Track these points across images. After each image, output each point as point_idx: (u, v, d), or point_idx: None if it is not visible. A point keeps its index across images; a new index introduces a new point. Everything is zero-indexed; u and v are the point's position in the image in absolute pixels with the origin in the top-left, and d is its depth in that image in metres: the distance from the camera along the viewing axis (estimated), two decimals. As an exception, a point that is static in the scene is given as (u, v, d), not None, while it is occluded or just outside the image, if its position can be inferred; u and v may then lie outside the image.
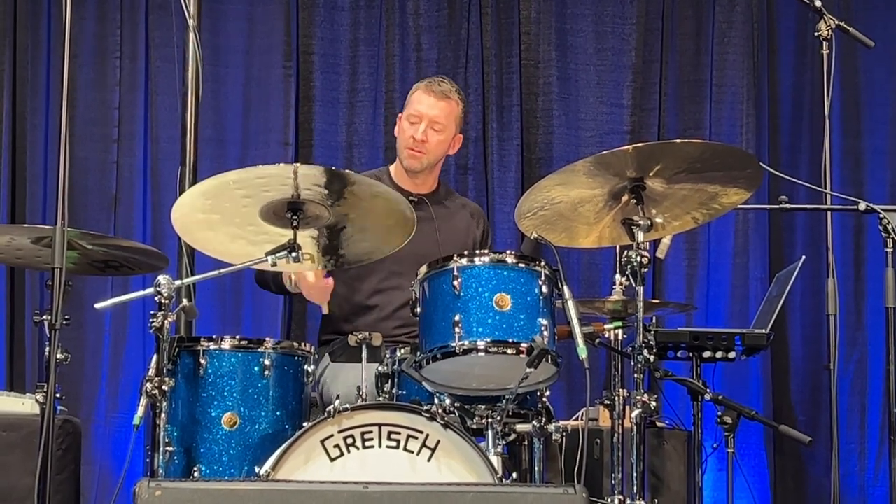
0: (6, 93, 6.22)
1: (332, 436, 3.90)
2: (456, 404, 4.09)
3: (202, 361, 4.05)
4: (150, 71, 6.36)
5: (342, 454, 3.90)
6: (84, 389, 6.14)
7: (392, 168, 5.07)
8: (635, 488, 4.02)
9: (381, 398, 4.19)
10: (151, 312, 3.87)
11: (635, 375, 4.05)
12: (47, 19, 6.31)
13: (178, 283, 3.95)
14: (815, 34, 4.85)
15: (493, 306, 3.95)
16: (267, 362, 4.07)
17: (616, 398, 4.34)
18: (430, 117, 4.91)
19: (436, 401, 4.05)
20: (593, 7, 6.63)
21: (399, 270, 4.76)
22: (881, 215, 4.55)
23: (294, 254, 3.99)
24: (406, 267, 4.61)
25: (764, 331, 5.01)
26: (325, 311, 4.71)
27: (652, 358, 4.07)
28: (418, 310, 4.08)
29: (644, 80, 6.62)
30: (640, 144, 4.09)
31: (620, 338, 4.77)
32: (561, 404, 5.84)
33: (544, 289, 4.00)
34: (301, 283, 4.60)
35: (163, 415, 3.86)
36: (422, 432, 3.92)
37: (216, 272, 4.15)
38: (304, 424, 3.97)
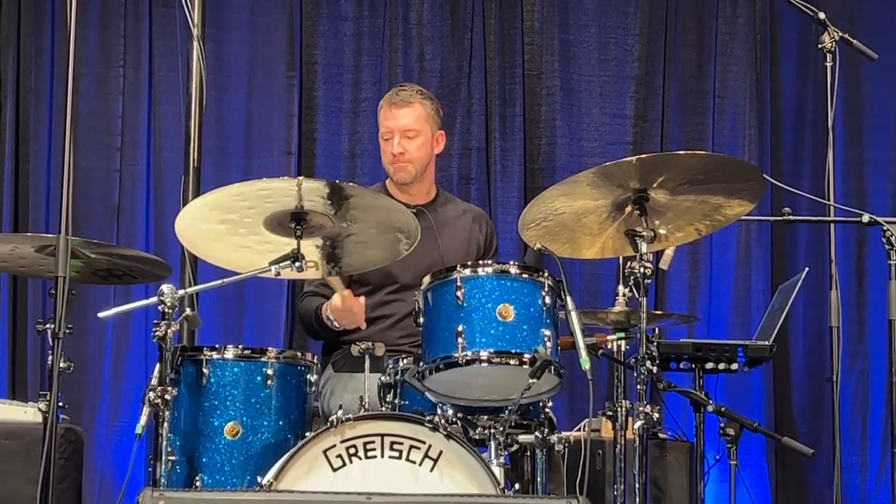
0: (10, 101, 6.22)
1: (334, 446, 3.89)
2: (459, 415, 4.09)
3: (205, 371, 4.05)
4: (153, 80, 6.36)
5: (344, 464, 3.89)
6: (86, 398, 6.14)
7: (388, 182, 5.07)
8: (637, 499, 4.02)
9: (383, 408, 4.19)
10: (155, 321, 3.87)
11: (638, 386, 4.05)
12: (51, 28, 6.32)
13: (181, 292, 3.95)
14: (819, 46, 4.86)
15: (496, 317, 3.94)
16: (270, 372, 4.07)
17: (618, 409, 4.33)
18: (399, 128, 4.91)
19: (438, 411, 4.05)
20: (596, 18, 6.64)
21: (402, 281, 4.77)
22: (884, 227, 4.55)
23: (297, 263, 3.99)
24: (409, 277, 4.63)
25: (766, 342, 5.00)
26: (364, 327, 4.69)
27: (654, 369, 4.07)
28: (421, 320, 4.08)
29: (647, 91, 6.63)
30: (643, 155, 4.09)
31: (623, 349, 4.76)
32: (563, 415, 5.83)
33: (547, 299, 3.99)
34: (333, 313, 4.60)
35: (165, 424, 3.86)
36: (424, 442, 3.92)
37: (219, 281, 4.15)
38: (307, 434, 3.96)
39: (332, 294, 4.66)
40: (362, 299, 4.60)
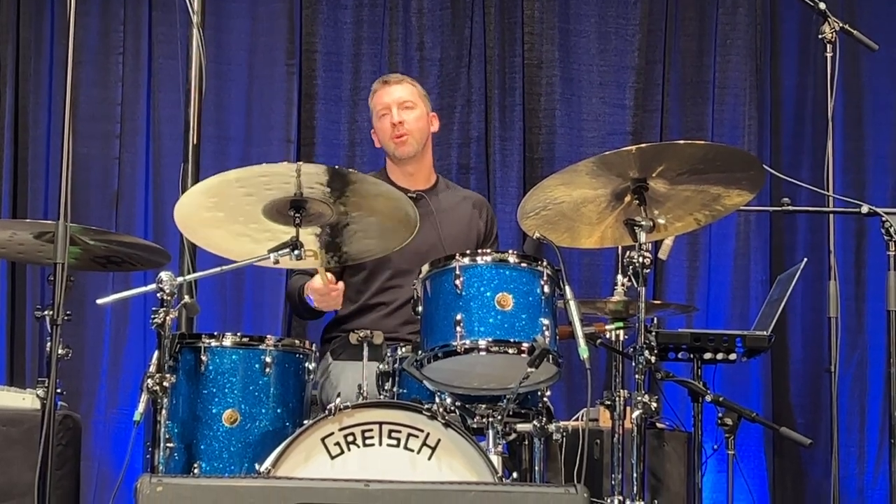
0: (9, 88, 6.22)
1: (332, 434, 3.90)
2: (457, 403, 4.09)
3: (203, 358, 4.05)
4: (152, 67, 6.35)
5: (342, 452, 3.90)
6: (84, 385, 6.14)
7: (388, 168, 5.09)
8: (635, 489, 4.03)
9: (381, 396, 4.19)
10: (153, 308, 3.87)
11: (636, 376, 4.05)
12: (50, 15, 6.31)
13: (179, 279, 3.95)
14: (819, 36, 4.86)
15: (494, 306, 3.94)
16: (268, 359, 4.07)
17: (617, 399, 4.34)
18: (395, 101, 4.99)
19: (437, 399, 4.05)
20: (596, 8, 6.63)
21: (403, 267, 4.77)
22: (883, 218, 4.55)
23: (296, 251, 3.99)
24: (410, 263, 4.63)
25: (765, 333, 5.01)
26: (339, 308, 4.72)
27: (653, 359, 4.07)
28: (420, 308, 4.08)
29: (647, 81, 6.62)
30: (643, 145, 4.09)
31: (621, 338, 4.76)
32: (561, 404, 5.84)
33: (546, 289, 4.00)
34: (312, 294, 4.60)
35: (164, 411, 3.86)
36: (422, 431, 3.92)
37: (218, 269, 4.15)
38: (305, 422, 3.96)
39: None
40: (341, 284, 4.59)
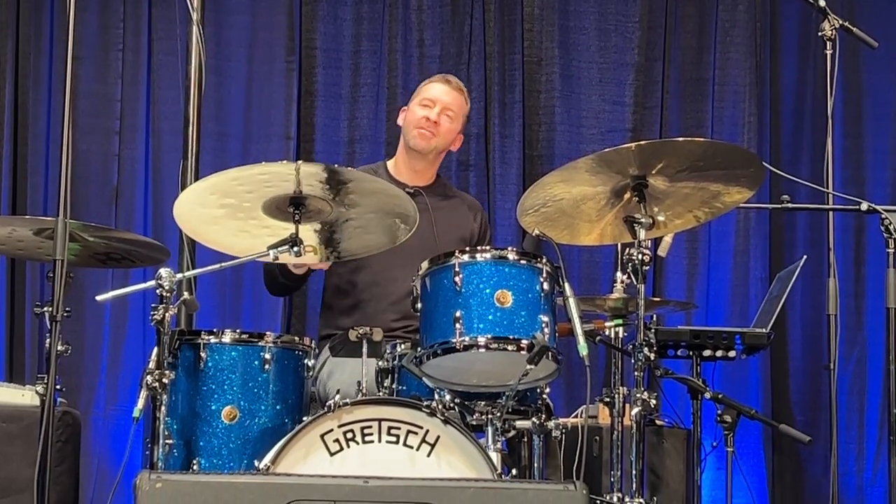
0: (8, 84, 6.21)
1: (331, 430, 3.90)
2: (456, 400, 4.09)
3: (203, 355, 4.05)
4: (152, 64, 6.35)
5: (342, 449, 3.90)
6: (84, 381, 6.14)
7: (389, 163, 5.11)
8: (634, 486, 4.03)
9: (381, 393, 4.19)
10: (153, 305, 3.88)
11: (635, 373, 4.05)
12: (50, 10, 6.31)
13: (179, 275, 3.95)
14: (819, 34, 4.86)
15: (494, 303, 3.95)
16: (267, 356, 4.08)
17: (616, 396, 4.34)
18: (444, 103, 5.02)
19: (436, 396, 4.06)
20: (596, 5, 6.63)
21: (396, 263, 4.76)
22: (883, 215, 4.55)
23: (296, 248, 3.99)
24: (403, 259, 4.62)
25: (764, 330, 5.01)
26: (325, 266, 4.69)
27: (652, 356, 4.08)
28: (419, 305, 4.08)
29: (646, 78, 6.62)
30: (642, 142, 4.10)
31: (621, 335, 4.77)
32: (561, 401, 5.84)
33: (545, 286, 4.00)
34: None
35: (163, 407, 3.87)
36: (422, 428, 3.92)
37: (217, 265, 4.15)
38: (304, 419, 3.97)
39: None
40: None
